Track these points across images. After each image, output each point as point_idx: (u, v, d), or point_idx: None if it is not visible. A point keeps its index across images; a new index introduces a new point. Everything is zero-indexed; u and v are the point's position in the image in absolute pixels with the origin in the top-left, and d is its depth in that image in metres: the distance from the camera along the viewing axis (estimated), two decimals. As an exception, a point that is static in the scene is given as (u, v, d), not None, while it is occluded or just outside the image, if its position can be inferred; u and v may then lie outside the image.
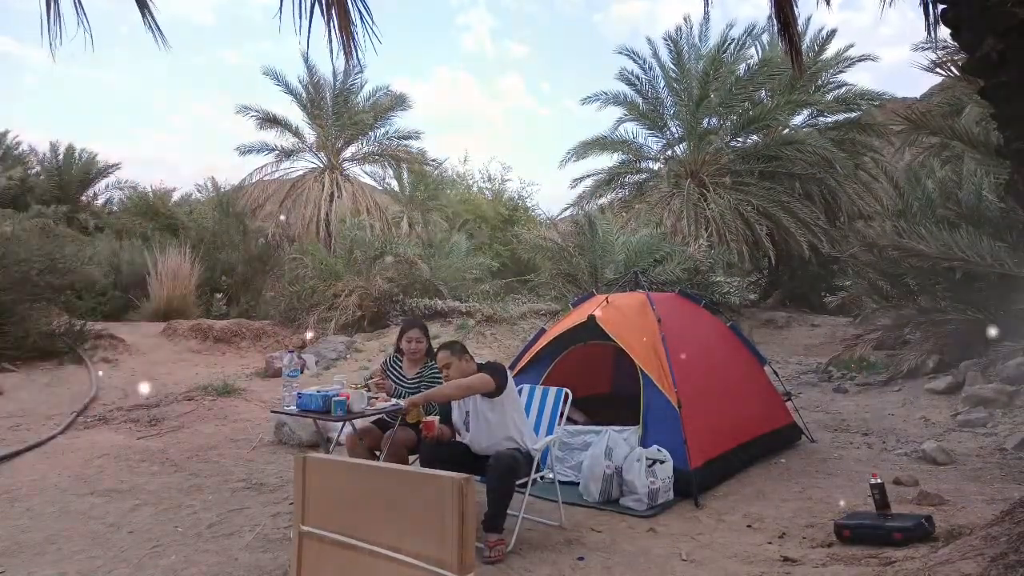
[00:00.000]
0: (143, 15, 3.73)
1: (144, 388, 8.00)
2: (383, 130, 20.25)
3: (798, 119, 17.98)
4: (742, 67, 17.14)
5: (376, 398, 4.36)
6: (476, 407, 4.01)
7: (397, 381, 4.69)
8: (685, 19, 17.02)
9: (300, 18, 3.52)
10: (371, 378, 4.63)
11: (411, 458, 4.37)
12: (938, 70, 13.27)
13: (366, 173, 21.02)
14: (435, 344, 4.69)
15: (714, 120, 16.83)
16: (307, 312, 11.45)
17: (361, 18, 3.64)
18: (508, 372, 4.04)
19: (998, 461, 5.32)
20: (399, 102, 20.05)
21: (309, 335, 10.78)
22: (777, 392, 6.12)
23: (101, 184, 30.71)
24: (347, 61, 3.71)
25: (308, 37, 3.53)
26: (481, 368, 3.99)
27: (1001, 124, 3.22)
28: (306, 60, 19.24)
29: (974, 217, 7.05)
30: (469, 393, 3.90)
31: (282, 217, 18.20)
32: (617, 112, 17.93)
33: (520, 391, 4.53)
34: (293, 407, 4.31)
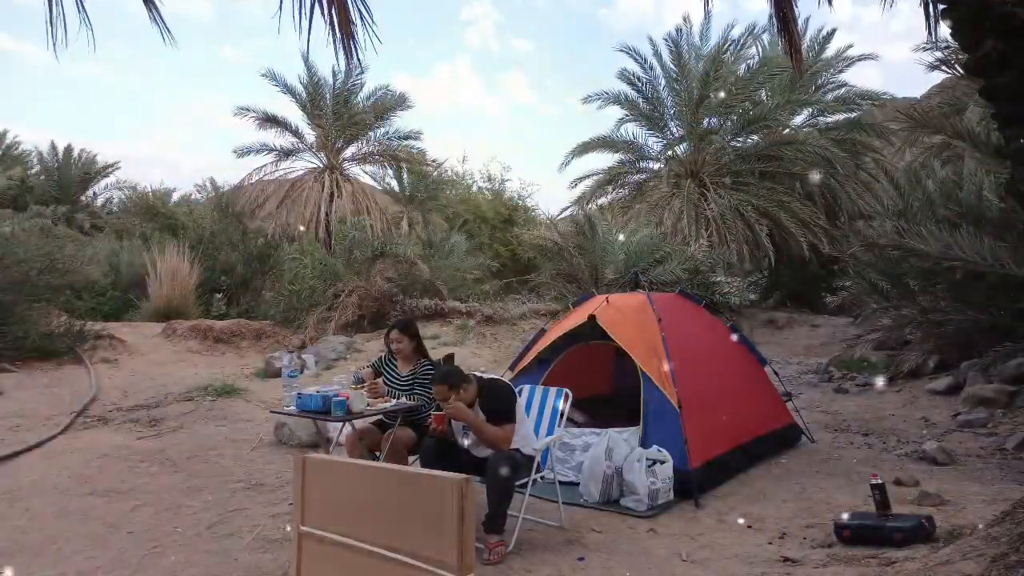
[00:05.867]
0: (148, 9, 3.71)
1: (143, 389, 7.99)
2: (383, 130, 20.24)
3: (798, 119, 18.00)
4: (743, 67, 17.15)
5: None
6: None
7: (391, 380, 4.69)
8: (685, 19, 17.03)
9: (300, 18, 3.51)
10: (361, 381, 4.60)
11: (411, 458, 4.37)
12: (943, 67, 13.26)
13: (366, 173, 21.01)
14: (435, 344, 4.67)
15: (714, 120, 16.83)
16: (307, 312, 11.44)
17: (361, 18, 3.64)
18: (515, 393, 4.05)
19: (998, 461, 5.32)
20: (399, 102, 20.03)
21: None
22: (777, 392, 6.11)
23: (101, 184, 30.86)
24: (347, 61, 3.71)
25: (308, 37, 3.52)
26: (487, 388, 3.97)
27: (1001, 124, 3.22)
28: (306, 60, 19.22)
29: (974, 217, 7.04)
30: (494, 444, 3.85)
31: (289, 219, 18.17)
32: (617, 111, 17.95)
33: (520, 391, 4.52)
34: (293, 407, 4.31)
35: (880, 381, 8.37)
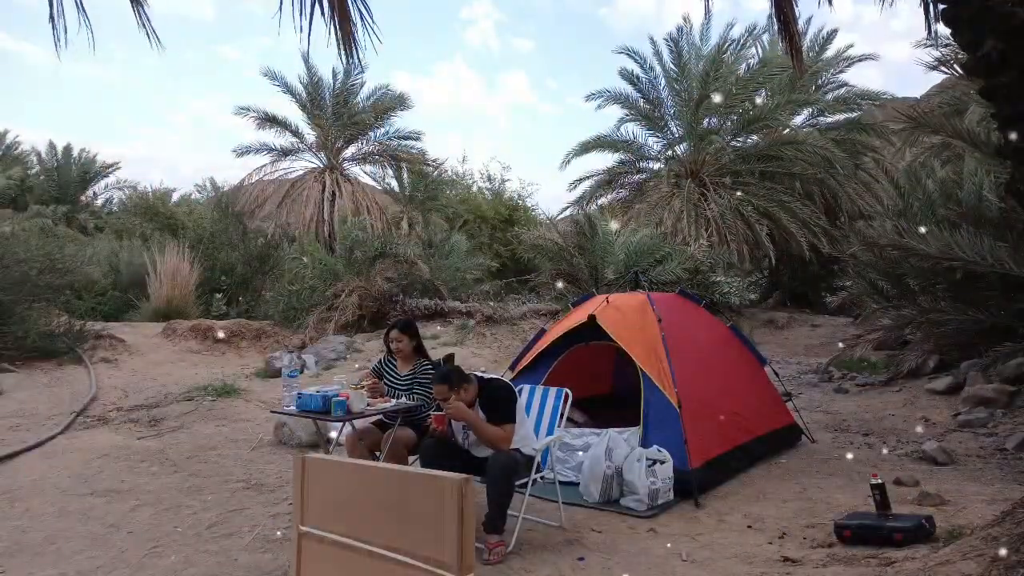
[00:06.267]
0: (136, 13, 3.72)
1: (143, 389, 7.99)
2: (383, 130, 20.26)
3: (798, 119, 18.01)
4: (743, 67, 17.15)
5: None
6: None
7: (391, 380, 4.69)
8: (686, 19, 17.04)
9: (300, 18, 3.52)
10: (361, 382, 4.61)
11: (411, 458, 4.37)
12: (942, 68, 13.26)
13: (366, 173, 21.02)
14: (435, 344, 4.67)
15: (714, 120, 16.84)
16: (307, 312, 11.44)
17: (361, 18, 3.65)
18: (515, 393, 4.05)
19: (998, 461, 5.31)
20: (399, 102, 20.04)
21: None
22: (777, 392, 6.11)
23: (101, 184, 30.91)
24: (347, 61, 3.73)
25: (308, 37, 3.53)
26: (487, 388, 3.98)
27: (1001, 124, 3.22)
28: (306, 60, 19.25)
29: (974, 217, 7.04)
30: (494, 443, 3.85)
31: (288, 220, 18.17)
32: (618, 111, 17.96)
33: (520, 391, 4.52)
34: (293, 407, 4.31)
35: (880, 381, 8.37)
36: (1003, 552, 2.65)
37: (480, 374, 4.16)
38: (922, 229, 6.69)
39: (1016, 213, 6.09)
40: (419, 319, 10.87)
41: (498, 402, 3.92)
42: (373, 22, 3.64)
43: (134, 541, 3.99)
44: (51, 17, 3.46)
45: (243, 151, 19.71)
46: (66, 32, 3.49)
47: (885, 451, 5.79)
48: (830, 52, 18.14)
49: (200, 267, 12.67)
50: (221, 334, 10.64)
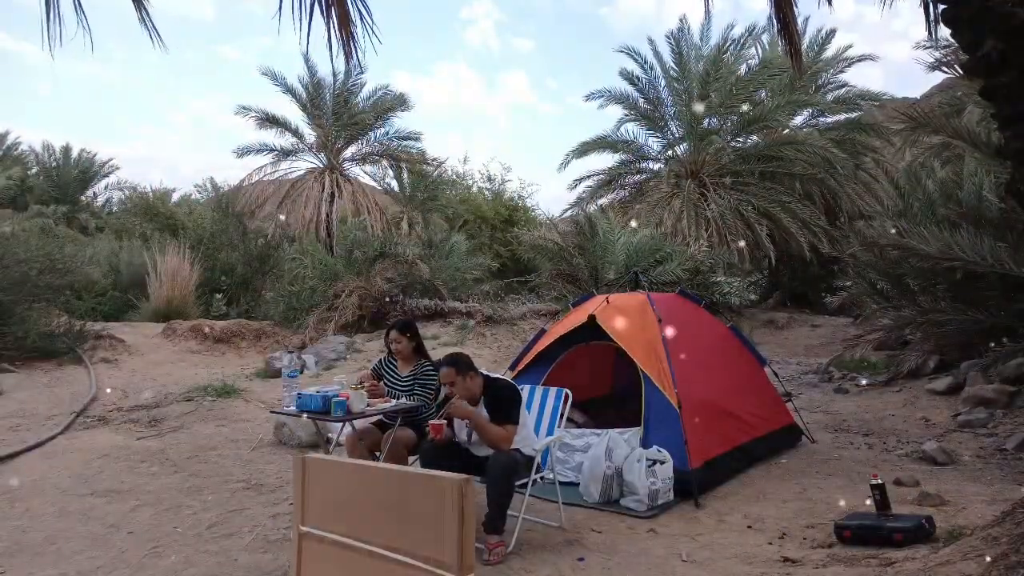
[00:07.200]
0: (138, 12, 3.72)
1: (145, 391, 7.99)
2: (383, 130, 20.23)
3: (798, 119, 18.00)
4: (743, 67, 17.15)
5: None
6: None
7: (391, 381, 4.69)
8: (685, 20, 17.03)
9: (300, 18, 3.52)
10: (360, 382, 4.61)
11: (411, 458, 4.37)
12: (943, 68, 13.27)
13: (366, 173, 21.01)
14: (435, 344, 4.66)
15: (714, 120, 16.83)
16: (307, 312, 11.44)
17: (361, 18, 3.65)
18: (519, 394, 4.05)
19: (998, 461, 5.31)
20: (399, 102, 20.02)
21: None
22: (777, 392, 6.11)
23: (101, 184, 30.95)
24: (347, 61, 3.72)
25: (308, 37, 3.53)
26: (492, 387, 3.98)
27: (1001, 124, 3.22)
28: (306, 60, 19.21)
29: (974, 217, 7.04)
30: (495, 443, 3.85)
31: (282, 217, 18.16)
32: (618, 111, 17.95)
33: (520, 391, 4.52)
34: (293, 407, 4.31)
35: (880, 381, 8.37)
36: (1003, 552, 2.65)
37: (486, 374, 4.16)
38: (924, 230, 6.69)
39: (1016, 213, 6.09)
40: (419, 319, 10.87)
41: (502, 401, 3.92)
42: (373, 22, 3.64)
43: (134, 541, 3.99)
44: (47, 17, 3.45)
45: (243, 151, 19.69)
46: (60, 32, 3.48)
47: (885, 451, 5.79)
48: (830, 52, 18.16)
49: (200, 267, 12.67)
50: (207, 330, 10.62)
